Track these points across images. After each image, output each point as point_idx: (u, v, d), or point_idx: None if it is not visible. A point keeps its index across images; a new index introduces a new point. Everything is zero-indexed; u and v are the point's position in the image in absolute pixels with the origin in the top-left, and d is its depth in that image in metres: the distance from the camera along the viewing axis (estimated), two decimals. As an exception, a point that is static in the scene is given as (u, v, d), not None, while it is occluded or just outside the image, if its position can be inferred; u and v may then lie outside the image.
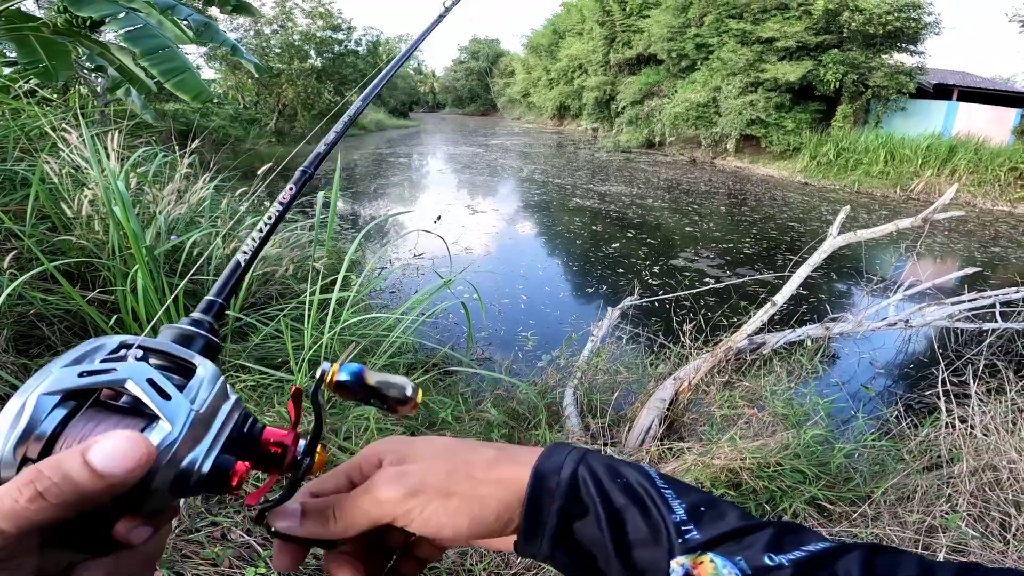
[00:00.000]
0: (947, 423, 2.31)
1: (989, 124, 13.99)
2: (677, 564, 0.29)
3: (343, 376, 0.33)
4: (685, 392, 2.82)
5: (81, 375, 0.28)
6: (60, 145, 2.65)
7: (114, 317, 1.84)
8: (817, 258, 3.43)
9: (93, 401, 0.28)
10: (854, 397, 3.32)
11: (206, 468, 0.29)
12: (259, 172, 2.67)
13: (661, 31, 18.67)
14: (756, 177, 14.82)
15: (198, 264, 2.25)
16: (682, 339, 3.23)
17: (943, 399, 2.39)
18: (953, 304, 3.63)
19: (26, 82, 3.96)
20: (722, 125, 16.46)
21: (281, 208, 0.44)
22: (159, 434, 0.27)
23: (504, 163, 15.87)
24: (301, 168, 0.47)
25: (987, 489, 1.96)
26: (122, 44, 4.86)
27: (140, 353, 0.30)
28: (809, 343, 3.40)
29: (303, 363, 1.84)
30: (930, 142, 13.48)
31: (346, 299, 2.11)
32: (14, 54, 5.42)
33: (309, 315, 1.92)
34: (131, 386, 0.28)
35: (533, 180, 12.81)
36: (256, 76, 16.80)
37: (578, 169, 14.74)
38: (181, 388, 0.29)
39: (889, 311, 3.67)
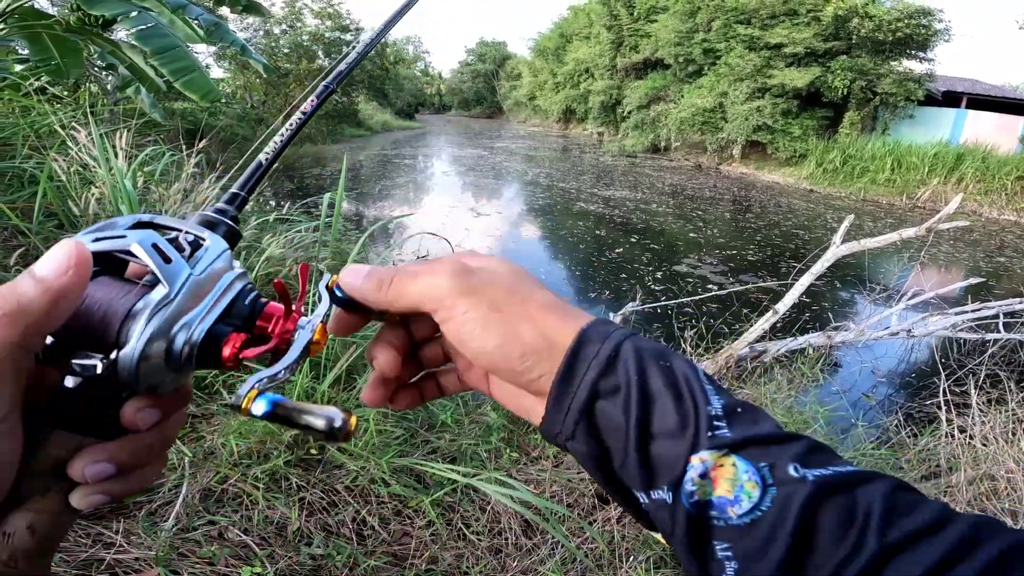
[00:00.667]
0: (947, 433, 2.32)
1: (997, 132, 13.95)
2: (698, 460, 0.28)
3: (255, 411, 0.29)
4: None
5: (94, 241, 0.29)
6: (69, 143, 2.67)
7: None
8: (820, 267, 3.43)
9: (110, 270, 0.30)
10: (854, 406, 3.30)
11: (197, 335, 0.29)
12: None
13: (668, 36, 18.68)
14: (761, 183, 14.78)
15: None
16: (683, 346, 3.23)
17: (944, 409, 2.40)
18: (956, 314, 3.62)
19: (37, 79, 3.99)
20: (728, 131, 16.43)
21: (303, 117, 0.42)
22: (156, 295, 0.28)
23: (509, 166, 15.89)
24: (324, 83, 0.45)
25: (984, 499, 1.98)
26: (133, 43, 4.90)
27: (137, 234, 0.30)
28: (811, 351, 3.39)
29: (304, 363, 1.85)
30: (937, 150, 13.44)
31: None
32: (26, 51, 5.48)
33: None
34: (136, 249, 0.28)
35: (538, 183, 12.82)
36: (264, 76, 16.87)
37: (583, 173, 14.75)
38: (188, 259, 0.30)
39: (892, 320, 3.67)
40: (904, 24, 13.97)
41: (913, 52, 15.13)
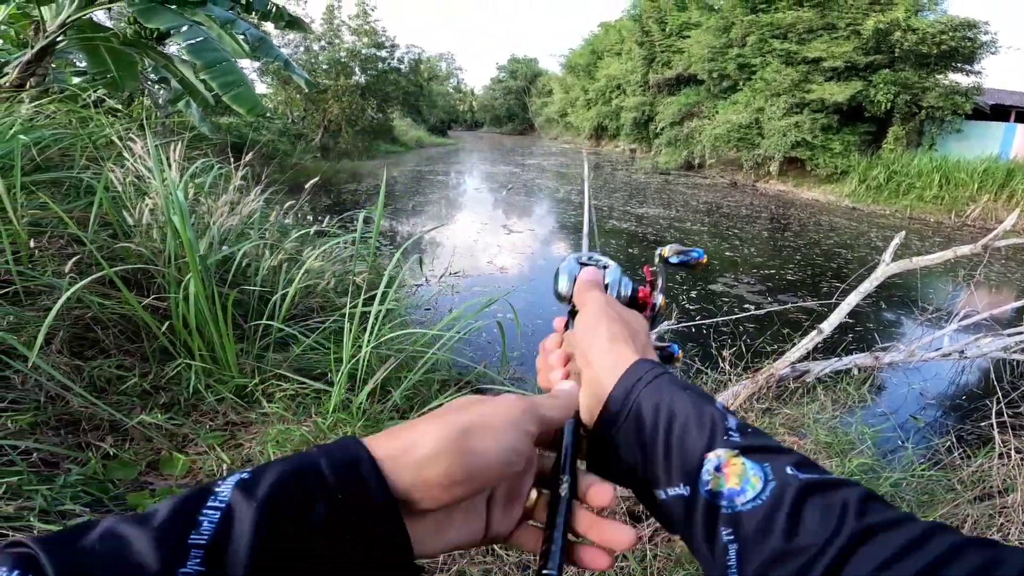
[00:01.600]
0: (1002, 453, 2.25)
1: (1051, 146, 13.31)
2: (714, 455, 0.35)
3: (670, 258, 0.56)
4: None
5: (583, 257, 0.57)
6: (125, 155, 2.79)
7: (166, 323, 1.92)
8: (868, 285, 3.30)
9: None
10: (902, 427, 3.22)
11: (628, 290, 0.55)
12: (307, 187, 2.77)
13: (701, 51, 18.45)
14: (800, 201, 14.39)
15: (243, 273, 2.33)
16: (721, 365, 3.15)
17: (997, 430, 2.33)
18: (1009, 335, 3.44)
19: (94, 91, 4.20)
20: (765, 147, 16.03)
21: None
22: (610, 274, 0.55)
23: (540, 183, 15.95)
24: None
25: (1041, 520, 1.90)
26: (184, 57, 5.13)
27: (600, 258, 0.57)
28: (856, 372, 3.26)
29: (342, 375, 1.87)
30: (987, 165, 12.85)
31: (390, 310, 2.15)
32: (83, 64, 5.78)
33: (351, 328, 1.96)
34: (605, 263, 0.56)
35: (569, 201, 12.81)
36: (306, 91, 17.44)
37: (615, 191, 14.65)
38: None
39: (943, 341, 3.51)
40: (948, 37, 13.42)
41: (959, 65, 14.52)
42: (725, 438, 0.35)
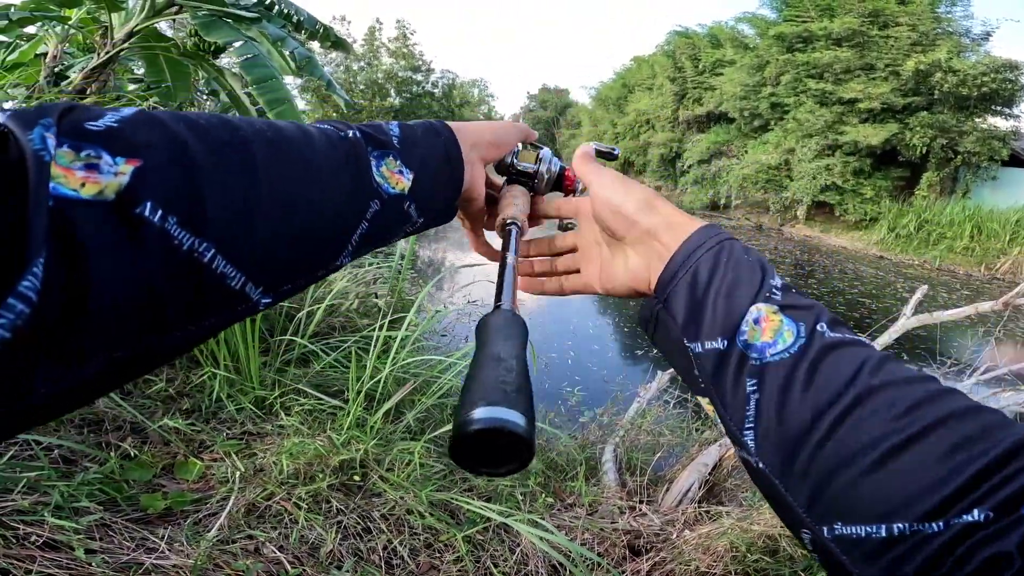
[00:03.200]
0: None
1: (1087, 197, 12.87)
2: (755, 308, 0.38)
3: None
4: (730, 458, 2.72)
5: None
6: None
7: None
8: (888, 338, 3.27)
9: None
10: None
11: (557, 168, 0.60)
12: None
13: (734, 89, 18.45)
14: (827, 247, 14.18)
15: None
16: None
17: None
18: (1030, 391, 3.35)
19: (148, 100, 4.39)
20: (793, 190, 15.83)
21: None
22: (545, 152, 0.60)
23: (563, 219, 16.03)
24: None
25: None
26: (235, 71, 5.34)
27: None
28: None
29: (360, 395, 1.93)
30: (1020, 216, 12.47)
31: (406, 337, 2.21)
32: (141, 71, 6.04)
33: (374, 350, 2.03)
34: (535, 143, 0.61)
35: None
36: (344, 111, 17.95)
37: (639, 228, 14.65)
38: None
39: (963, 396, 3.43)
40: (990, 79, 13.12)
41: (998, 108, 14.23)
42: (768, 295, 0.39)
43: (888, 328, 3.30)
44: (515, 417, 0.26)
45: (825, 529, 0.31)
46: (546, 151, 0.61)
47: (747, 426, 0.36)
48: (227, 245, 0.29)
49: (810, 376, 0.34)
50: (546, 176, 0.60)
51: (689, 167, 21.19)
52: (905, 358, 5.77)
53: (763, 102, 17.53)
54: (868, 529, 0.29)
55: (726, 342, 0.38)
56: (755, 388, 0.35)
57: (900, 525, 0.28)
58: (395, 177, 0.43)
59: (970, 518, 0.26)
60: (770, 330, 0.37)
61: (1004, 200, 13.44)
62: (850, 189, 14.87)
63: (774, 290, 0.39)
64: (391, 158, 0.43)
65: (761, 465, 0.35)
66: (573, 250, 0.59)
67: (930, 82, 13.88)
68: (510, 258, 0.47)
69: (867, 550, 0.29)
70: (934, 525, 0.27)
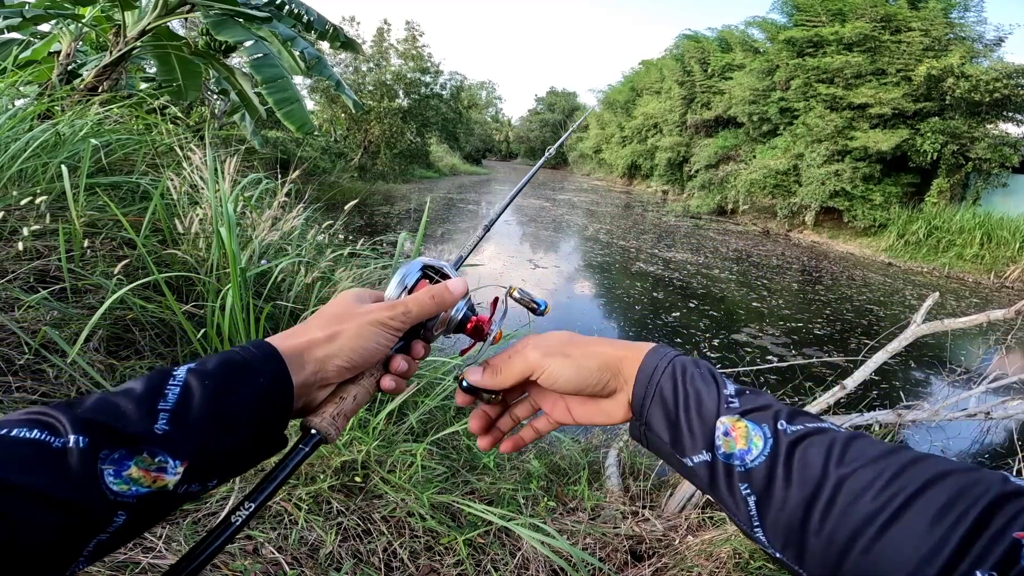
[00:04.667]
0: None
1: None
2: (720, 423, 0.42)
3: (463, 384, 0.55)
4: (736, 467, 2.70)
5: (431, 261, 0.59)
6: (184, 164, 2.94)
7: (201, 331, 2.01)
8: (897, 345, 3.24)
9: (422, 276, 0.57)
10: None
11: (459, 316, 0.58)
12: (346, 208, 2.88)
13: (743, 93, 18.40)
14: (835, 254, 14.06)
15: (278, 287, 2.43)
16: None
17: None
18: (1038, 398, 3.32)
19: (159, 98, 4.41)
20: (802, 195, 15.71)
21: (477, 238, 0.72)
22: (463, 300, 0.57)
23: (570, 219, 16.05)
24: (491, 217, 0.74)
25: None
26: (245, 70, 5.37)
27: (446, 263, 0.60)
28: (877, 428, 3.18)
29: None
30: (1029, 223, 12.32)
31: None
32: (152, 70, 6.08)
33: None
34: (446, 269, 0.59)
35: (597, 240, 12.84)
36: (353, 112, 17.98)
37: (644, 232, 14.62)
38: None
39: (971, 402, 3.41)
40: (1002, 84, 12.98)
41: (1010, 114, 14.05)
42: (727, 406, 0.43)
43: (898, 335, 3.27)
44: None
45: None
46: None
47: (755, 525, 0.39)
48: None
49: (787, 474, 0.38)
50: (441, 325, 0.57)
51: (696, 171, 21.13)
52: (913, 366, 5.72)
53: (772, 107, 17.44)
54: None
55: (710, 455, 0.42)
56: (748, 491, 0.39)
57: None
58: (151, 476, 0.37)
59: None
60: (741, 438, 0.40)
61: (1015, 207, 13.31)
62: (859, 195, 14.74)
63: (730, 399, 0.43)
64: (145, 455, 0.36)
65: (779, 556, 0.39)
66: (522, 392, 0.58)
67: (942, 87, 13.75)
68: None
69: None
70: None
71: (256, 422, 0.43)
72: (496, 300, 0.61)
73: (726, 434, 0.41)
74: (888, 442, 0.37)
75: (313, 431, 0.48)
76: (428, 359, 2.31)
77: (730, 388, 0.45)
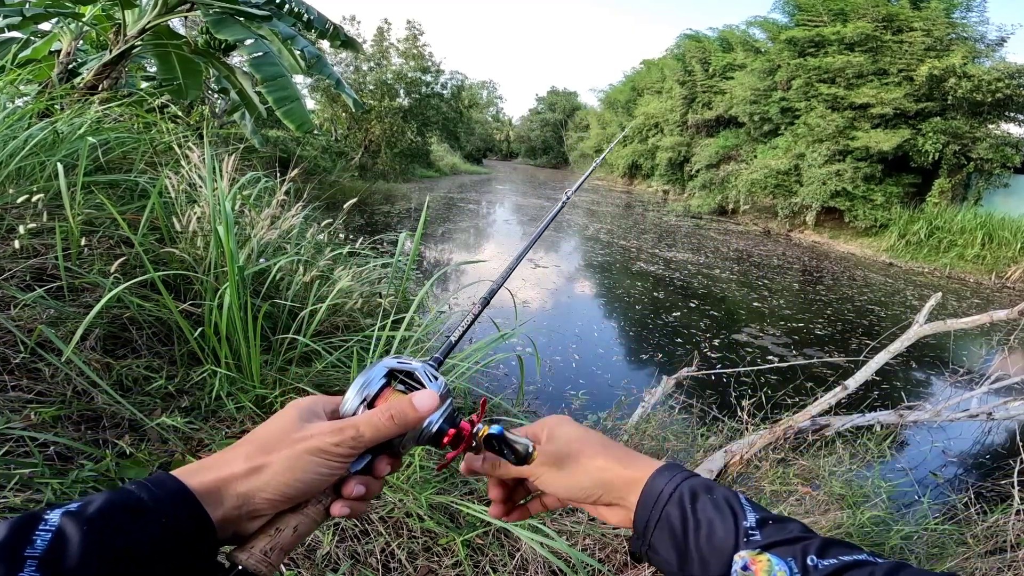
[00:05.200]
0: (1019, 510, 2.25)
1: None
2: (739, 556, 0.39)
3: (492, 431, 0.52)
4: (735, 465, 2.70)
5: (398, 363, 0.51)
6: (182, 162, 2.93)
7: (198, 329, 2.00)
8: (899, 345, 3.24)
9: (388, 383, 0.50)
10: (920, 483, 3.18)
11: (434, 428, 0.50)
12: (345, 207, 2.87)
13: (744, 93, 18.34)
14: (835, 254, 14.02)
15: (276, 286, 2.42)
16: (739, 414, 3.10)
17: (1018, 487, 2.32)
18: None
19: (159, 97, 4.40)
20: (803, 195, 15.65)
21: (473, 316, 0.64)
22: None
23: (570, 219, 16.02)
24: (491, 287, 0.68)
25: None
26: (245, 69, 5.37)
27: (419, 364, 0.52)
28: (879, 428, 3.18)
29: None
30: (1030, 223, 12.29)
31: (408, 338, 2.19)
32: (153, 69, 6.08)
33: (375, 350, 2.01)
34: (418, 373, 0.51)
35: (598, 239, 12.83)
36: (353, 111, 17.94)
37: (644, 232, 14.60)
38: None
39: (972, 403, 3.40)
40: (1004, 84, 12.96)
41: (1011, 115, 14.02)
42: (746, 539, 0.40)
43: (899, 335, 3.27)
44: None
45: None
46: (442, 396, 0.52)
47: None
48: None
49: None
50: (412, 440, 0.50)
51: (697, 171, 21.09)
52: (914, 366, 5.70)
53: (773, 106, 17.39)
54: None
55: None
56: None
57: None
58: None
59: None
60: (762, 572, 0.38)
61: (1016, 208, 13.28)
62: (860, 195, 14.72)
63: (750, 531, 0.40)
64: None
65: None
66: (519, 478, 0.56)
67: (944, 87, 13.70)
68: None
69: None
70: None
71: (159, 567, 0.37)
72: (485, 402, 0.57)
73: (744, 568, 0.38)
74: (935, 572, 0.34)
75: (240, 567, 0.42)
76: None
77: (751, 518, 0.41)
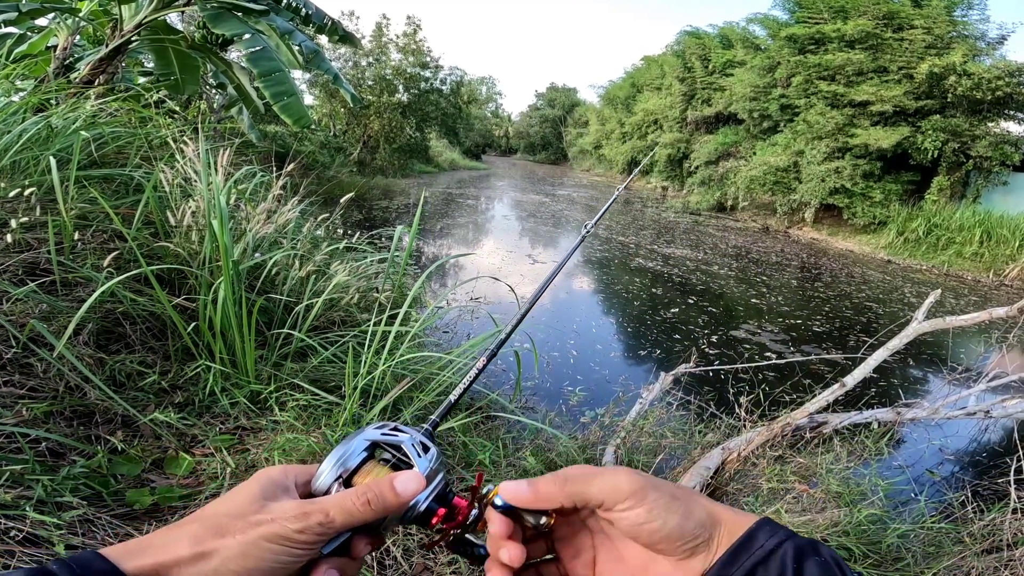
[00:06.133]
0: (1016, 508, 2.23)
1: (1098, 203, 12.72)
2: None
3: (497, 502, 0.43)
4: (733, 463, 2.69)
5: (382, 435, 0.46)
6: (177, 156, 2.92)
7: (192, 324, 1.99)
8: (898, 342, 3.23)
9: (371, 455, 0.45)
10: (917, 481, 3.19)
11: (422, 508, 0.43)
12: (341, 201, 2.85)
13: (744, 90, 18.28)
14: (834, 251, 14.01)
15: (272, 281, 2.40)
16: (737, 411, 3.09)
17: (1015, 486, 2.30)
18: (1038, 397, 3.31)
19: (156, 92, 4.38)
20: (801, 192, 15.61)
21: (480, 368, 0.59)
22: (429, 461, 0.44)
23: (569, 215, 16.00)
24: (499, 341, 0.62)
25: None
26: (243, 64, 5.35)
27: (407, 436, 0.46)
28: (876, 426, 3.18)
29: (356, 391, 1.90)
30: (1029, 221, 12.30)
31: (404, 333, 2.18)
32: (150, 64, 6.05)
33: (371, 345, 2.00)
34: (405, 447, 0.45)
35: (596, 235, 12.80)
36: (352, 106, 17.88)
37: (643, 228, 14.58)
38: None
39: (970, 401, 3.41)
40: (1004, 83, 12.92)
41: (1011, 113, 13.98)
42: None
43: (898, 333, 3.26)
44: None
45: None
46: (434, 459, 0.47)
47: None
48: None
49: None
50: (397, 521, 0.45)
51: (696, 168, 21.06)
52: (911, 364, 5.70)
53: (773, 104, 17.33)
54: None
55: None
56: None
57: None
58: None
59: None
60: None
61: (1015, 206, 13.27)
62: (859, 192, 14.69)
63: None
64: None
65: None
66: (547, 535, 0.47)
67: (944, 85, 13.66)
68: None
69: None
70: None
71: None
72: (480, 476, 0.48)
73: None
74: None
75: None
76: (424, 353, 2.29)
77: None
